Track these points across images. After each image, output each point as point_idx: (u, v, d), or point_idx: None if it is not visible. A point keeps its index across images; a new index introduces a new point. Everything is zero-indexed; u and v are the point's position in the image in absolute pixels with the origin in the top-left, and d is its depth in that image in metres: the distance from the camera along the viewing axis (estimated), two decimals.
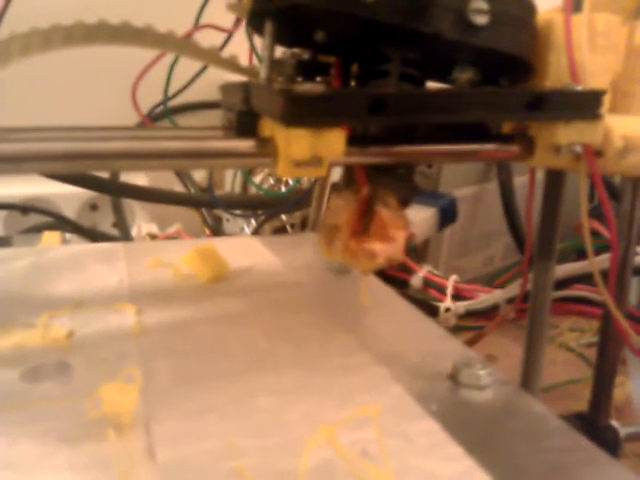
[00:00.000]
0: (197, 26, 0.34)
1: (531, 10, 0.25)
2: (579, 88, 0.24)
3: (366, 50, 0.25)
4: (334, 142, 0.22)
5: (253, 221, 0.67)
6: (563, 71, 0.25)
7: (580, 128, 0.25)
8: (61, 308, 0.32)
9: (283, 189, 0.67)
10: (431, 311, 0.52)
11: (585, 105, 0.24)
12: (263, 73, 0.26)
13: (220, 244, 0.40)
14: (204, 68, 0.36)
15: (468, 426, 0.24)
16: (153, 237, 0.67)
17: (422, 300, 0.53)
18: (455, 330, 0.52)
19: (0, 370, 0.26)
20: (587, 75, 0.24)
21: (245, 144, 0.24)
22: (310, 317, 0.33)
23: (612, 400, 0.36)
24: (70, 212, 0.72)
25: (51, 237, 0.49)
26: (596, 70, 0.25)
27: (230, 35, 0.35)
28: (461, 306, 0.53)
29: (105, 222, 0.76)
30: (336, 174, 0.35)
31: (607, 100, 0.25)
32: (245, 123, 0.25)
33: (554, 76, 0.25)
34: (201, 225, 0.69)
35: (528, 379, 0.34)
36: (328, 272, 0.40)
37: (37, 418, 0.23)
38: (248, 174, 0.67)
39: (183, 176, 0.71)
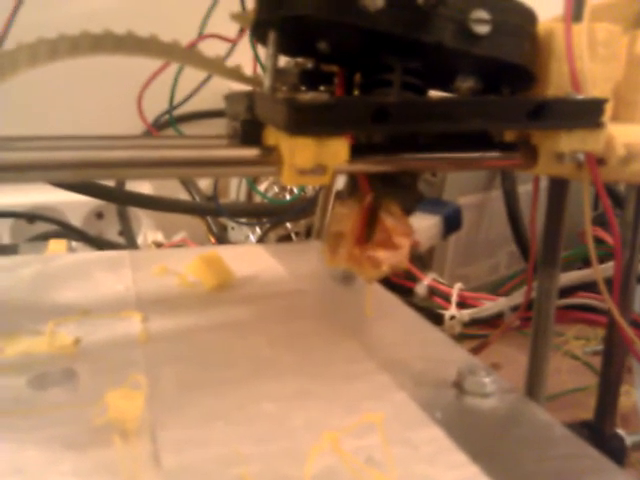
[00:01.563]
0: (201, 36, 0.34)
1: (532, 19, 0.25)
2: (580, 97, 0.24)
3: (369, 59, 0.25)
4: (338, 151, 0.22)
5: (258, 229, 0.67)
6: (565, 80, 0.25)
7: (582, 136, 0.25)
8: (68, 316, 0.32)
9: (288, 197, 0.68)
10: (436, 319, 0.52)
11: (587, 113, 0.24)
12: (267, 82, 0.26)
13: (225, 252, 0.40)
14: (208, 77, 0.36)
15: (473, 433, 0.23)
16: (159, 245, 0.67)
17: (427, 308, 0.53)
18: (460, 338, 0.51)
19: (7, 377, 0.26)
20: (588, 84, 0.24)
21: (250, 153, 0.24)
22: (314, 325, 0.33)
23: (618, 408, 0.35)
24: (76, 220, 0.72)
25: (57, 245, 0.49)
26: (597, 79, 0.25)
27: (234, 45, 0.35)
28: (466, 314, 0.53)
29: (111, 230, 0.77)
30: (341, 182, 0.35)
31: (609, 108, 0.25)
32: (249, 132, 0.25)
33: (556, 84, 0.25)
34: (206, 233, 0.69)
35: (533, 387, 0.34)
36: (332, 280, 0.40)
37: (43, 424, 0.23)
38: (253, 182, 0.67)
39: (188, 184, 0.72)
